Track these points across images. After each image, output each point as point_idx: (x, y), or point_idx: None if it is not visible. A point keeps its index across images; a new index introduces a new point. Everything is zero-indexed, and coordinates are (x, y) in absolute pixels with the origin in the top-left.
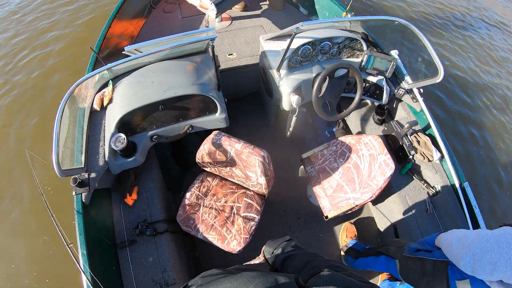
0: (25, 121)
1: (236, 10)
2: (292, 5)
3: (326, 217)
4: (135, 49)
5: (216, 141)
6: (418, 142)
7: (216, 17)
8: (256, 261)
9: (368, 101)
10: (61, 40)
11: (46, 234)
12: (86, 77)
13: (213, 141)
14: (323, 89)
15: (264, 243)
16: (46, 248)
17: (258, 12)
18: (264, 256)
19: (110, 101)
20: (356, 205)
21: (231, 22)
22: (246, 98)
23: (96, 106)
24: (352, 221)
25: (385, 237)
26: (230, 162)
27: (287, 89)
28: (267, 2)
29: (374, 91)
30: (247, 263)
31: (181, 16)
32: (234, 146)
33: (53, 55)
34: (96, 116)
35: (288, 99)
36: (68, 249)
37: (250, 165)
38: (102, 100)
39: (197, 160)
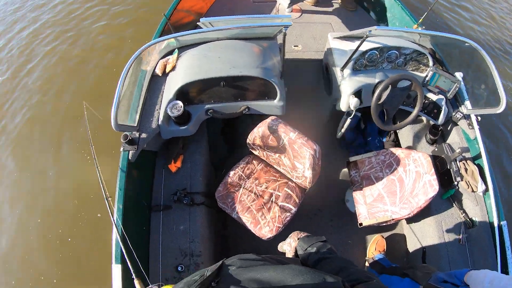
0: (85, 76)
1: (308, 4)
2: (364, 9)
3: (361, 224)
4: (209, 22)
5: (272, 126)
6: (466, 170)
7: (288, 7)
8: (285, 245)
9: (424, 118)
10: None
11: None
12: (155, 41)
13: (269, 126)
14: (384, 97)
15: None
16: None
17: (329, 9)
18: (296, 250)
19: (173, 68)
20: (393, 219)
21: (301, 14)
22: (303, 91)
23: (158, 71)
24: (384, 235)
25: (412, 258)
26: (281, 149)
27: (348, 89)
28: (339, 1)
29: (432, 109)
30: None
31: (253, 0)
32: (288, 134)
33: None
34: (156, 81)
35: (347, 100)
36: (106, 201)
37: (300, 156)
38: (165, 66)
39: (248, 141)
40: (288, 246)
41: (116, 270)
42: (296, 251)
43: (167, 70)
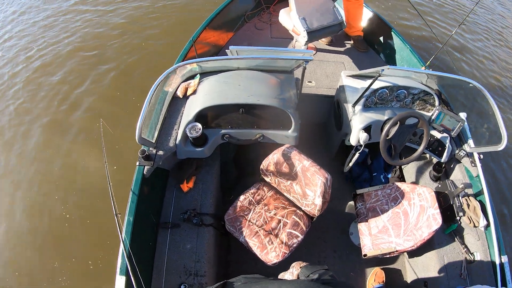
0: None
1: (322, 43)
2: (374, 51)
3: (365, 255)
4: (236, 51)
5: (287, 153)
6: (468, 205)
7: (304, 44)
8: (287, 275)
9: (428, 156)
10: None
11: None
12: (182, 64)
13: (284, 153)
14: (392, 133)
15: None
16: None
17: (342, 49)
18: (298, 276)
19: (194, 92)
20: (397, 250)
21: (315, 52)
22: (314, 125)
23: (179, 94)
24: (385, 268)
25: None
26: (293, 177)
27: (359, 124)
28: (352, 42)
29: (436, 147)
30: (281, 278)
31: (271, 36)
32: (302, 162)
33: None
34: (176, 102)
35: (357, 135)
36: (116, 218)
37: (312, 184)
38: (186, 89)
39: (261, 167)
40: (290, 275)
41: (120, 282)
42: (298, 278)
43: (188, 93)
